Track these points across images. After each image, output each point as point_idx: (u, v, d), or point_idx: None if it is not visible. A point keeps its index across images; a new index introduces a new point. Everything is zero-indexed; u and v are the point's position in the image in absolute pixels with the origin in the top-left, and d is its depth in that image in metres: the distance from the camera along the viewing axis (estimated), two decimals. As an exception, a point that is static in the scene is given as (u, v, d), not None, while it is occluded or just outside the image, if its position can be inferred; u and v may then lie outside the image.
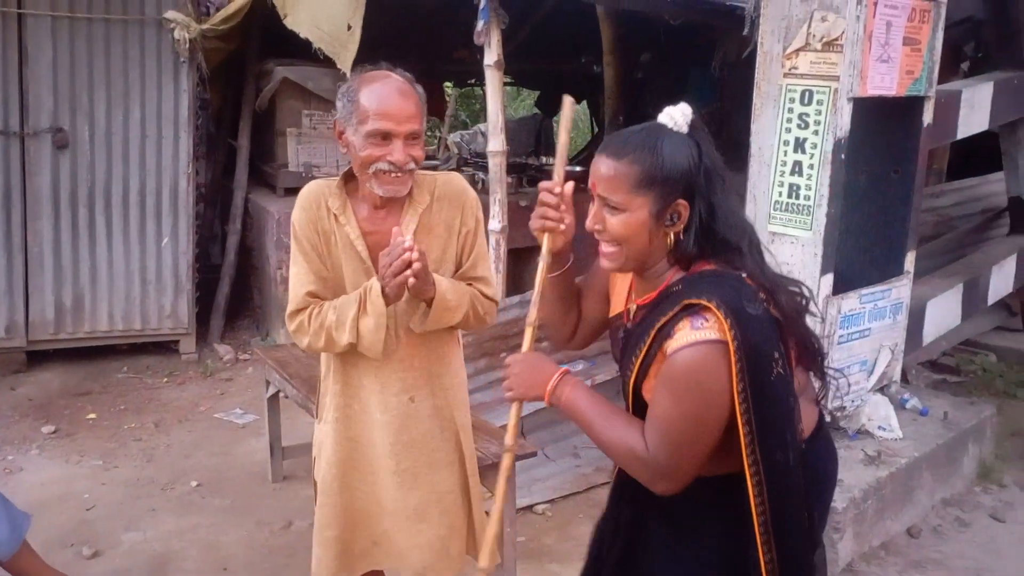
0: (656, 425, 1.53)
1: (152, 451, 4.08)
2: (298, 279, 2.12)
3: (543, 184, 1.71)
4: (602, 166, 1.55)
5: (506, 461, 1.72)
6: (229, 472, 3.90)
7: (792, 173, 3.42)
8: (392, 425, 2.15)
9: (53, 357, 4.97)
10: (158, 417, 4.43)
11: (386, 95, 1.98)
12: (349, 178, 2.14)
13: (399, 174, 2.01)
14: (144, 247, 5.01)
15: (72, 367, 4.94)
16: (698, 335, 1.47)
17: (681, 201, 1.53)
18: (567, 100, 1.79)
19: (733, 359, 1.46)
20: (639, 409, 1.61)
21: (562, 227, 1.70)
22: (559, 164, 1.75)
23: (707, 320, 1.48)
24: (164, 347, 5.21)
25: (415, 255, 1.92)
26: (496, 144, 4.28)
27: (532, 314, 1.74)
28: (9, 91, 4.61)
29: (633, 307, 1.67)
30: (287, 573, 3.10)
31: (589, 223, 1.59)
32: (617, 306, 1.75)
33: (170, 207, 5.02)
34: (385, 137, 1.98)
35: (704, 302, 1.48)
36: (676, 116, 1.55)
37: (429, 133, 10.08)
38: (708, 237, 1.56)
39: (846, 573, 3.18)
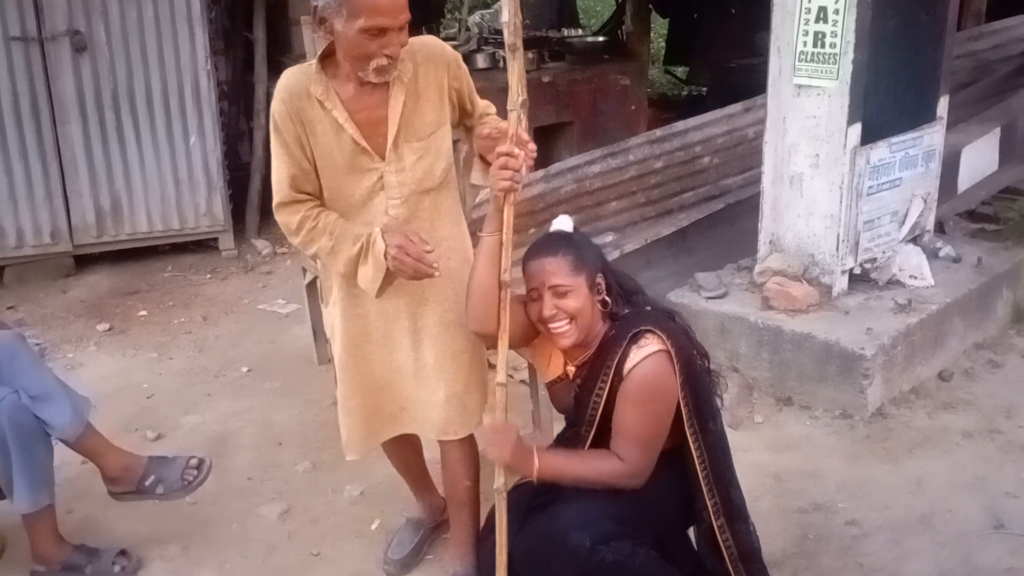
0: (627, 433, 1.96)
1: (202, 342, 4.26)
2: (278, 172, 2.17)
3: (504, 149, 1.97)
4: (546, 265, 2.00)
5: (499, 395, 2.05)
6: (276, 358, 4.06)
7: (817, 20, 3.31)
8: (404, 287, 2.22)
9: (99, 260, 5.13)
10: (205, 311, 4.59)
11: None
12: (325, 58, 2.12)
13: (393, 61, 2.05)
14: (173, 147, 5.05)
15: (118, 268, 5.10)
16: (644, 351, 1.94)
17: (599, 274, 2.04)
18: None
19: (675, 361, 1.94)
20: (605, 435, 2.02)
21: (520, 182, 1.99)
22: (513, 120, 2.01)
23: (647, 339, 1.95)
24: (204, 245, 5.33)
25: (438, 273, 2.10)
26: (508, 14, 4.16)
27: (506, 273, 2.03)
28: (22, -5, 4.59)
29: (572, 368, 2.11)
30: (338, 445, 3.22)
31: (546, 312, 1.99)
32: (554, 372, 2.17)
33: (194, 105, 5.03)
34: (381, 31, 1.99)
35: (641, 328, 1.97)
36: (566, 224, 2.11)
37: (449, 15, 9.81)
38: (620, 294, 2.08)
39: (876, 417, 3.24)
